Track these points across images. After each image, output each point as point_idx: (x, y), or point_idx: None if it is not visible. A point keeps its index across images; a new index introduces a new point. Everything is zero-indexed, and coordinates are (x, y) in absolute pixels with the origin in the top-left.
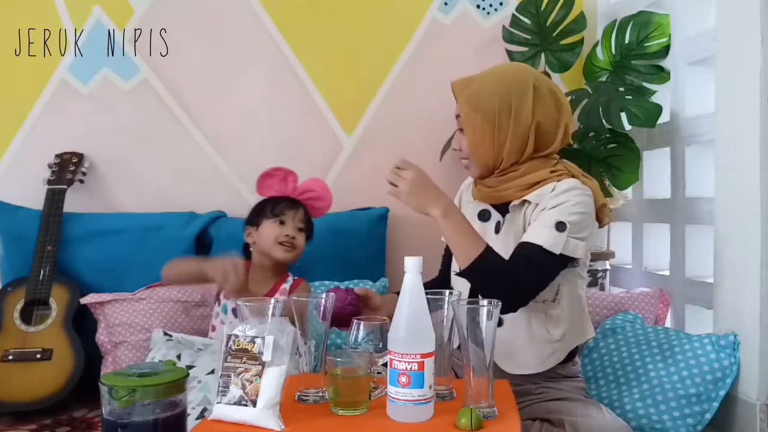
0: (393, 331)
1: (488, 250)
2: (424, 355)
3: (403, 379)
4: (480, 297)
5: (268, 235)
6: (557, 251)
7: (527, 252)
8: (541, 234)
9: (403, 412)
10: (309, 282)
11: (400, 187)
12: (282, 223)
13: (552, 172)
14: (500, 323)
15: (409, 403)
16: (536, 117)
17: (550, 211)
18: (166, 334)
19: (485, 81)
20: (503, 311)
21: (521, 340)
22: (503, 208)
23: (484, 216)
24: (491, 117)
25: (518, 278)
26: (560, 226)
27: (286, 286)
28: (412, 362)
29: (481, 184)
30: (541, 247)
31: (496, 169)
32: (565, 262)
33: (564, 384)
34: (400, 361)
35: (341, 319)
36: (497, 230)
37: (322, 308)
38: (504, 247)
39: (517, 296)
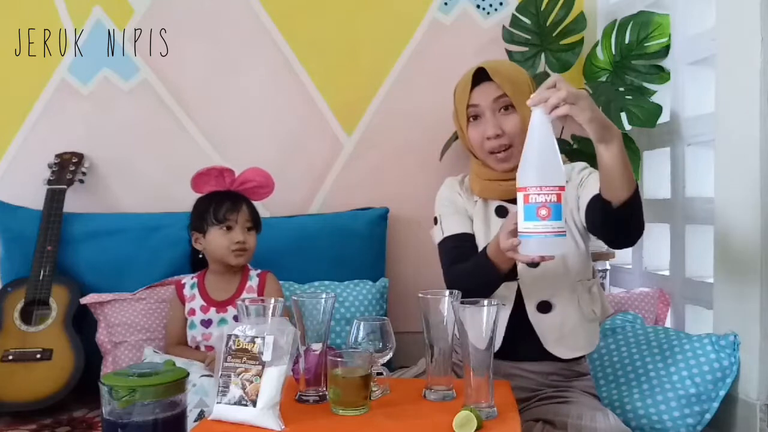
0: (525, 167)
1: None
2: (560, 188)
3: (543, 212)
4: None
5: (218, 244)
6: None
7: None
8: None
9: (543, 245)
10: (308, 282)
11: (580, 101)
12: (229, 228)
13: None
14: (549, 309)
15: (549, 235)
16: None
17: (593, 175)
18: (156, 352)
19: (510, 66)
20: (631, 240)
21: (572, 323)
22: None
23: (501, 212)
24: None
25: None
26: None
27: (252, 284)
28: (551, 194)
29: (499, 180)
30: None
31: None
32: None
33: (575, 384)
34: (539, 194)
35: None
36: None
37: (322, 308)
38: None
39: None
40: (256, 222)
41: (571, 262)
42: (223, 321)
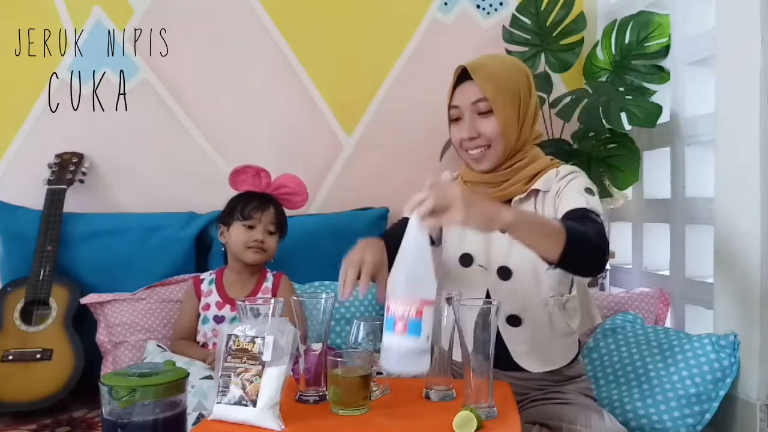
0: (392, 276)
1: (568, 229)
2: (424, 302)
3: (399, 326)
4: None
5: (237, 239)
6: (599, 212)
7: (582, 213)
8: (578, 199)
9: (395, 361)
10: (308, 282)
11: (452, 205)
12: (251, 227)
13: (552, 160)
14: (519, 323)
15: (403, 351)
16: (534, 102)
17: (569, 185)
18: (159, 346)
19: (498, 62)
20: (593, 274)
21: (544, 337)
22: None
23: None
24: (517, 97)
25: (602, 234)
26: (589, 191)
27: (268, 284)
28: (410, 307)
29: (481, 183)
30: (586, 209)
31: (511, 156)
32: None
33: (569, 386)
34: (398, 305)
35: None
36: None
37: (322, 308)
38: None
39: (606, 255)
40: (279, 227)
41: (543, 278)
42: (235, 319)
